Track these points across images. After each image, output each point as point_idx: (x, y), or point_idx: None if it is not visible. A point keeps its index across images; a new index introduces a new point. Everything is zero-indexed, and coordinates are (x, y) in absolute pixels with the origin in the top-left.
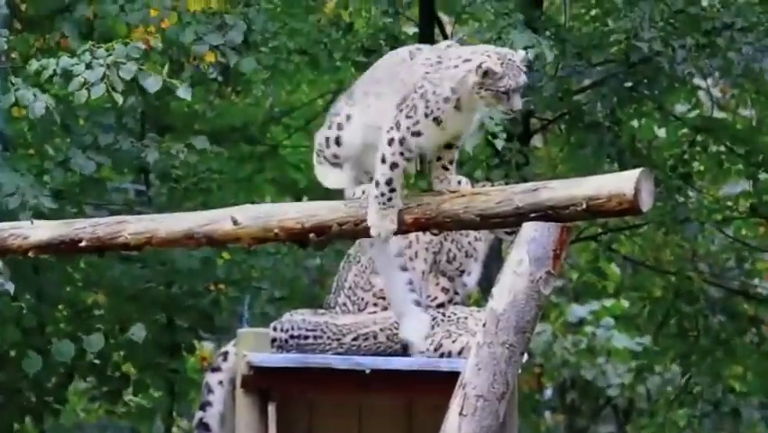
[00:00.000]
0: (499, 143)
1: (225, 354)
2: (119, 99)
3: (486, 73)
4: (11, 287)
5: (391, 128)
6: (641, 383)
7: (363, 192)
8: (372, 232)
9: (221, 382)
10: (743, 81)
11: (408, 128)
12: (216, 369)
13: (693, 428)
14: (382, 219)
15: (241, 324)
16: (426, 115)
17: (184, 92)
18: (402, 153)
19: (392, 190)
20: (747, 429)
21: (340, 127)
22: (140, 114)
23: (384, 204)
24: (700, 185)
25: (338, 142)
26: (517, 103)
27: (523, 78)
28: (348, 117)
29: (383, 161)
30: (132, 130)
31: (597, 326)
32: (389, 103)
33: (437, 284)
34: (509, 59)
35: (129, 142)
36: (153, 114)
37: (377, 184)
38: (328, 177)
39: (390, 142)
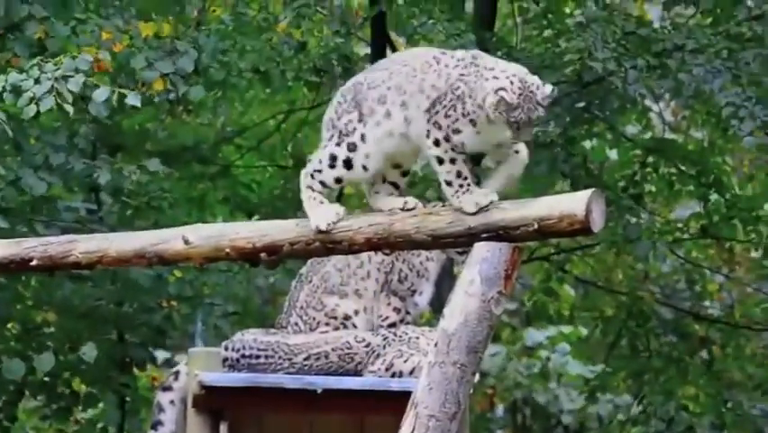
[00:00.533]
0: None
1: (177, 374)
2: (70, 110)
3: (501, 100)
4: None
5: (430, 130)
6: (593, 404)
7: (406, 203)
8: (468, 209)
9: (172, 402)
10: (694, 103)
11: (449, 126)
12: (167, 388)
13: None
14: (477, 196)
15: (193, 342)
16: (464, 115)
17: (133, 98)
18: (453, 149)
19: (465, 178)
20: None
21: (352, 148)
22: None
23: (468, 190)
24: (652, 207)
25: (348, 164)
26: (526, 136)
27: (538, 113)
28: (362, 137)
29: (440, 162)
30: (84, 150)
31: (552, 351)
32: (417, 110)
33: (389, 304)
34: (530, 92)
35: (81, 163)
36: (104, 133)
37: (449, 183)
38: (317, 212)
39: (437, 142)
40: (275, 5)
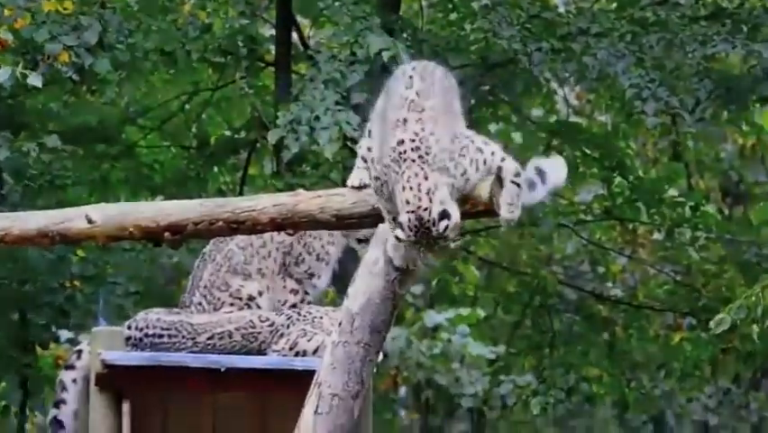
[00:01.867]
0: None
1: (80, 353)
2: None
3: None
4: None
5: None
6: (496, 387)
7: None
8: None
9: (75, 380)
10: (598, 86)
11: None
12: (70, 367)
13: (547, 415)
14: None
15: (96, 322)
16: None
17: (34, 79)
18: None
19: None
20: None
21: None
22: None
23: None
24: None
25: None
26: (442, 255)
27: (438, 245)
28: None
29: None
30: None
31: (453, 332)
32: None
33: (284, 287)
34: (426, 228)
35: None
36: (7, 112)
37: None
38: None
39: None
40: None
